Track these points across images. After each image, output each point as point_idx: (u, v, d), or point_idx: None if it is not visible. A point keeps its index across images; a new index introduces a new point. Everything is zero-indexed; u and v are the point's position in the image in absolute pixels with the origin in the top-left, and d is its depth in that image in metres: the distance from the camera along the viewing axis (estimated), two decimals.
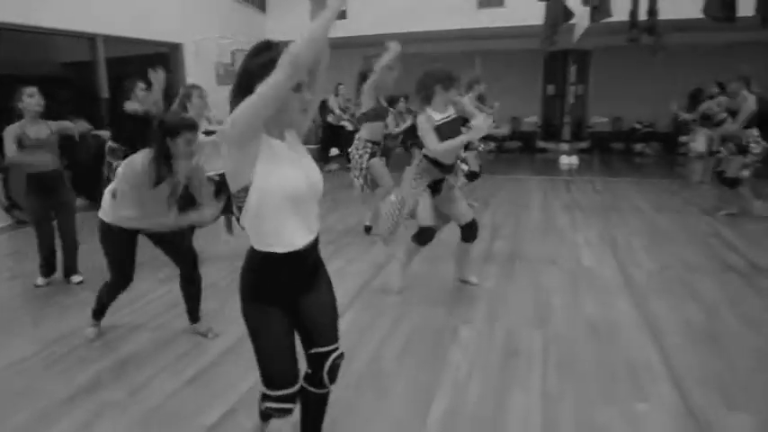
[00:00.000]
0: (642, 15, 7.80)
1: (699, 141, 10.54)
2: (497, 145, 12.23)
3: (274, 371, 1.70)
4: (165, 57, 8.20)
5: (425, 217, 3.62)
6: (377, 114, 4.88)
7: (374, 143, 4.94)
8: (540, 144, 12.09)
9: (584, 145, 11.56)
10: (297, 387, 1.74)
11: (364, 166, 4.89)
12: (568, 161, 9.71)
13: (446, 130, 3.44)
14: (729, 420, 2.28)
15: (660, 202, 6.74)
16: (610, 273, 4.12)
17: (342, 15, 10.15)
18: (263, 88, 1.38)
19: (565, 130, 11.73)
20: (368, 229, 5.29)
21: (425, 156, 3.55)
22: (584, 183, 8.09)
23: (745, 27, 6.86)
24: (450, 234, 3.99)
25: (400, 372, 2.75)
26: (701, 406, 2.39)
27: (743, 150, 5.57)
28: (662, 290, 3.78)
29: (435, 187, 3.62)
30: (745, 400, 2.45)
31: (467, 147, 5.23)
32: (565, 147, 10.82)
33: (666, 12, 7.65)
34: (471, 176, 5.89)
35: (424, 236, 3.66)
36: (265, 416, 1.90)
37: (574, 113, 11.90)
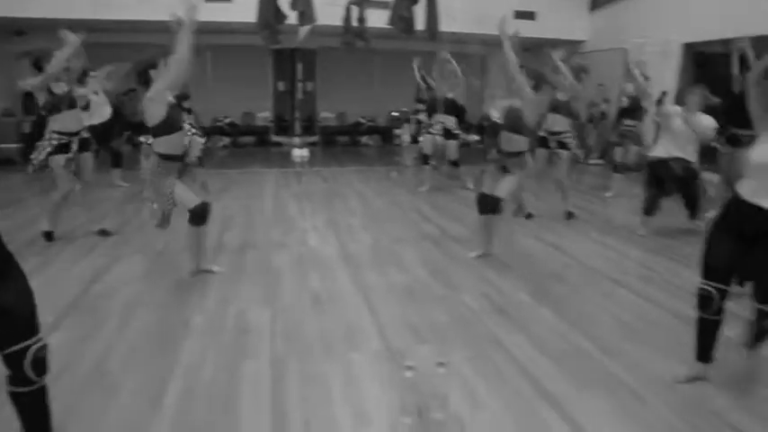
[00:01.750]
0: (355, 22, 8.70)
1: (407, 133, 12.25)
2: (232, 140, 12.29)
3: None
4: None
5: (190, 198, 3.65)
6: (53, 106, 4.54)
7: (63, 134, 4.59)
8: (274, 138, 12.52)
9: (314, 139, 12.37)
10: None
11: (41, 158, 4.54)
12: (300, 154, 10.29)
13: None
14: (417, 352, 2.86)
15: (379, 186, 7.69)
16: (332, 251, 4.61)
17: None
18: None
19: (296, 125, 12.37)
20: (48, 235, 4.67)
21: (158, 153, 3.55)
22: (314, 174, 8.72)
23: (423, 38, 8.23)
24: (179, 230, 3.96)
25: (130, 369, 2.69)
26: (398, 346, 2.93)
27: (451, 136, 7.10)
28: (374, 260, 4.40)
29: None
30: (431, 334, 3.09)
31: None
32: (296, 141, 11.42)
33: (374, 21, 8.67)
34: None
35: (200, 215, 3.69)
36: None
37: (303, 109, 12.61)
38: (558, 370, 2.73)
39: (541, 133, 5.82)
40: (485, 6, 10.47)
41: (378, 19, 8.67)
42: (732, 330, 2.78)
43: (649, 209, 5.23)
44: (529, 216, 5.51)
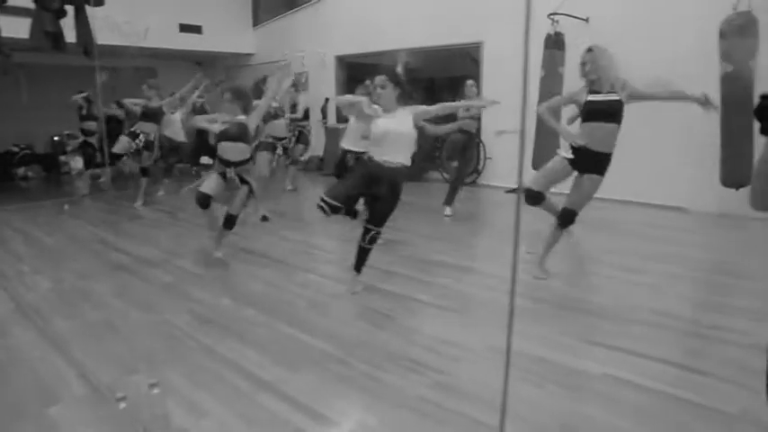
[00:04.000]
0: None
1: (77, 159, 11.00)
2: None
3: None
4: None
5: None
6: None
7: None
8: None
9: None
10: None
11: None
12: None
13: None
14: (127, 382, 2.75)
15: (50, 222, 6.78)
16: (1, 307, 3.95)
17: None
18: None
19: None
20: None
21: None
22: None
23: (76, 52, 7.50)
24: None
25: None
26: (106, 384, 2.76)
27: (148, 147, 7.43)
28: (59, 304, 3.95)
29: None
30: (140, 362, 2.99)
31: None
32: None
33: (14, 30, 7.47)
34: None
35: None
36: None
37: None
38: (270, 359, 2.99)
39: (268, 139, 6.27)
40: (149, 19, 10.12)
41: (20, 28, 7.51)
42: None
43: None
44: (264, 219, 6.18)
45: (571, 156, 3.90)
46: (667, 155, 6.54)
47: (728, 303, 3.79)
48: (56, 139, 11.40)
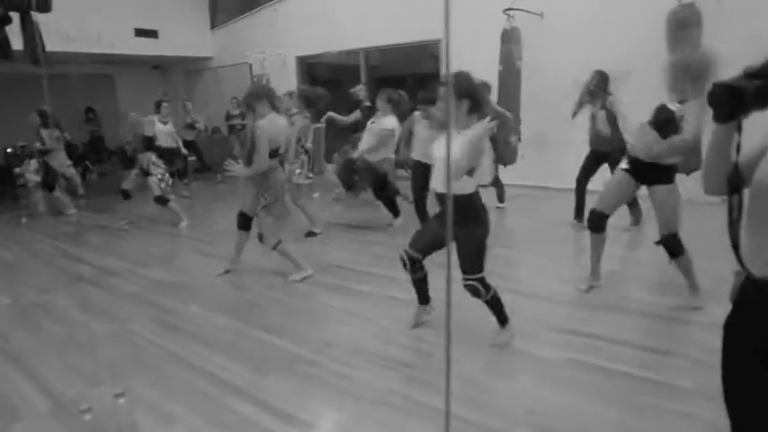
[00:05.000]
0: None
1: (33, 171, 10.63)
2: None
3: None
4: None
5: None
6: None
7: None
8: None
9: None
10: None
11: None
12: None
13: None
14: (92, 394, 2.70)
15: (8, 236, 6.57)
16: None
17: None
18: None
19: None
20: None
21: None
22: None
23: (24, 61, 7.23)
24: None
25: None
26: (70, 396, 2.70)
27: (146, 173, 6.29)
28: (19, 319, 3.85)
29: None
30: (105, 374, 2.92)
31: None
32: None
33: None
34: None
35: None
36: None
37: None
38: (239, 364, 2.98)
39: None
40: (102, 24, 9.87)
41: None
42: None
43: (349, 188, 5.97)
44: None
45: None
46: None
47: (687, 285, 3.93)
48: (9, 150, 10.99)
